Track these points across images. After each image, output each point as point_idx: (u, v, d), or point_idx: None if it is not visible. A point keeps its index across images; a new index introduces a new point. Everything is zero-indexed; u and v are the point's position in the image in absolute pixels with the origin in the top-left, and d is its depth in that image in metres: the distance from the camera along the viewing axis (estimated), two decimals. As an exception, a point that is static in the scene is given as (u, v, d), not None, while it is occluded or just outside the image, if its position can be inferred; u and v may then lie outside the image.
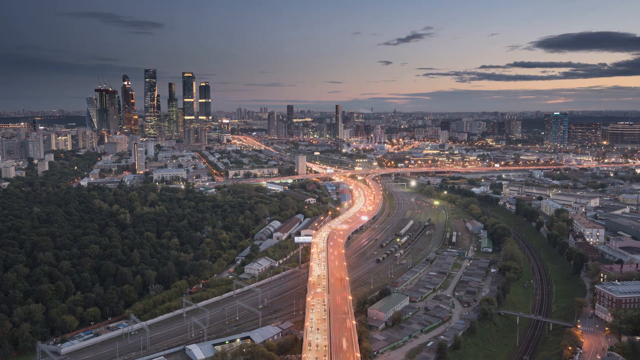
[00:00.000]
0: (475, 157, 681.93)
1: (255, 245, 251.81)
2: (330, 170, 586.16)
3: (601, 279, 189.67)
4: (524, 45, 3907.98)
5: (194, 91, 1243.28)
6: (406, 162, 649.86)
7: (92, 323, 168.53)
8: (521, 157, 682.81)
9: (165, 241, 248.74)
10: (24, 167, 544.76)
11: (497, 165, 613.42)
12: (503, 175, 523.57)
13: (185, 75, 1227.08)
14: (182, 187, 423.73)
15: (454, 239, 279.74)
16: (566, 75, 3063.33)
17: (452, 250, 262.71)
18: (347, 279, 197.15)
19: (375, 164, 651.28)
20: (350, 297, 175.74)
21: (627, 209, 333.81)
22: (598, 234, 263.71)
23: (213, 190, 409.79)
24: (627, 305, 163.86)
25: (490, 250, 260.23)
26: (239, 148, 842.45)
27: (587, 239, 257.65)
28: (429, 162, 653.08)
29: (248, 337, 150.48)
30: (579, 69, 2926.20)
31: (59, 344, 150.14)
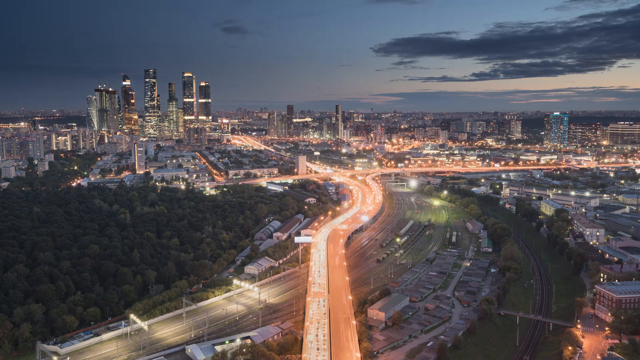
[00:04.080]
0: (475, 157, 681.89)
1: (255, 246, 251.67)
2: (330, 170, 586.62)
3: (601, 279, 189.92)
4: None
5: (194, 91, 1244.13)
6: (406, 162, 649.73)
7: (92, 323, 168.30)
8: (521, 157, 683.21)
9: (165, 241, 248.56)
10: (24, 167, 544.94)
11: (497, 165, 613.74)
12: (503, 175, 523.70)
13: (185, 75, 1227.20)
14: (182, 187, 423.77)
15: (454, 239, 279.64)
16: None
17: (452, 250, 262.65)
18: (347, 279, 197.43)
19: (375, 164, 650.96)
20: (350, 297, 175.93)
21: (627, 209, 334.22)
22: (598, 234, 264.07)
23: (213, 190, 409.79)
24: (627, 305, 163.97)
25: (490, 250, 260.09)
26: (239, 148, 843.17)
27: (587, 239, 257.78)
28: (429, 162, 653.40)
29: (248, 337, 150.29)
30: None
31: (59, 344, 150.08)
